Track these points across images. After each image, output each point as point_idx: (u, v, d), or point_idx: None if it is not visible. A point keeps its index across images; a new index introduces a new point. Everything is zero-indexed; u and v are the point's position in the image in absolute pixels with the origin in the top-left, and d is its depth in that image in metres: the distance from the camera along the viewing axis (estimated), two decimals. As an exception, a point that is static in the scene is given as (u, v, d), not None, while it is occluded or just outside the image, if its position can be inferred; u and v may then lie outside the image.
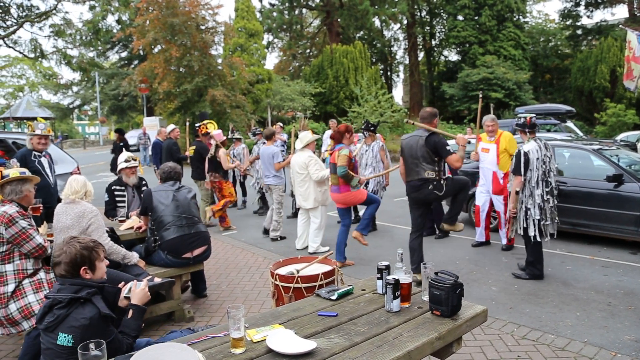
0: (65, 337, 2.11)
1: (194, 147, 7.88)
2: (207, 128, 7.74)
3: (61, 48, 17.91)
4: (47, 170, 5.22)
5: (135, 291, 2.46)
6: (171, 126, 8.73)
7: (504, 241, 6.03)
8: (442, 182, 4.54)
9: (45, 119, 30.76)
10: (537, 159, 4.73)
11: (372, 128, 7.04)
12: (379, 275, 2.55)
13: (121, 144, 11.50)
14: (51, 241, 3.84)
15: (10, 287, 3.16)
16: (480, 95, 6.43)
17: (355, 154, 7.36)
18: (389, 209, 8.68)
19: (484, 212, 6.11)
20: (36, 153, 5.17)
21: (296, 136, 7.18)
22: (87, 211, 3.55)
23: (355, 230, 5.43)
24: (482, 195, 6.11)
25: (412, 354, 1.95)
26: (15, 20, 16.33)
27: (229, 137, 9.43)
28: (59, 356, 2.14)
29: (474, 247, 6.20)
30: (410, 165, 4.65)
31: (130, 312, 2.43)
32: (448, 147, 4.47)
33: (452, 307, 2.25)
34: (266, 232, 7.22)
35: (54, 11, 16.72)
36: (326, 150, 7.22)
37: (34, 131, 5.12)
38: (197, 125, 8.04)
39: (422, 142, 4.50)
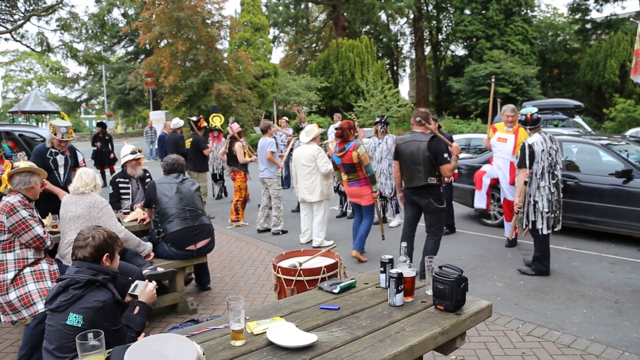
0: (75, 317, 2.15)
1: (190, 139, 7.86)
2: (205, 121, 7.76)
3: (67, 42, 17.96)
4: (60, 169, 5.21)
5: (145, 291, 2.56)
6: (180, 122, 8.66)
7: (510, 234, 5.93)
8: (442, 191, 4.52)
9: (53, 112, 30.94)
10: (542, 151, 4.67)
11: (388, 122, 7.06)
12: (382, 269, 2.52)
13: (107, 137, 11.68)
14: (56, 232, 3.86)
15: (10, 275, 3.19)
16: (493, 80, 6.22)
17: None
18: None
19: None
20: (53, 150, 5.18)
21: (298, 131, 7.12)
22: (97, 201, 3.64)
23: (354, 249, 5.57)
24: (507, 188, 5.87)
25: (414, 348, 1.92)
26: (22, 14, 16.39)
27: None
28: (64, 337, 2.16)
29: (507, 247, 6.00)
30: (412, 171, 4.50)
31: (137, 308, 2.50)
32: (445, 155, 4.36)
33: (456, 301, 2.21)
34: (260, 231, 7.10)
35: (60, 5, 16.75)
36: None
37: (55, 133, 5.02)
38: (194, 119, 8.02)
39: (425, 147, 4.37)
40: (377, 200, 5.44)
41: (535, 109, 4.91)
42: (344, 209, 8.02)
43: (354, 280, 2.66)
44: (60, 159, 5.21)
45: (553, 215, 4.72)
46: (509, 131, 5.77)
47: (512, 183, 5.71)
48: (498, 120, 7.50)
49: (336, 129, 5.44)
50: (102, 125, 11.99)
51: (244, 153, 7.41)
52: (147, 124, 22.79)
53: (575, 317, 3.86)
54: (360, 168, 5.28)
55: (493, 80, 6.23)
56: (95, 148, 11.85)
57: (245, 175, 7.57)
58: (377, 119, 7.14)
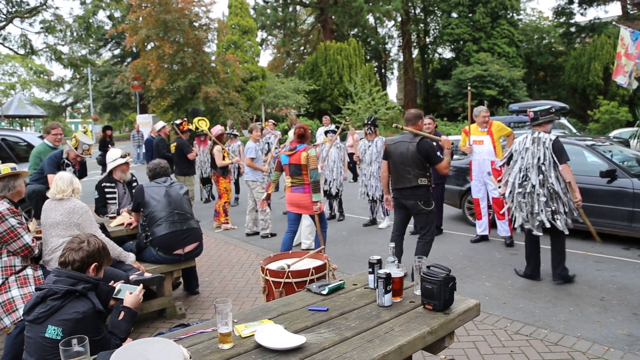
0: (54, 329, 2.08)
1: (175, 143, 7.83)
2: (188, 124, 7.77)
3: (52, 44, 17.71)
4: None
5: (130, 295, 2.50)
6: (160, 123, 8.60)
7: (506, 233, 5.98)
8: (431, 192, 4.45)
9: (37, 117, 30.48)
10: None
11: (377, 124, 7.06)
12: (370, 270, 2.52)
13: (113, 141, 11.70)
14: (40, 238, 3.79)
15: None
16: (469, 89, 6.32)
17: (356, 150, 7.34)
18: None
19: (484, 205, 6.06)
20: (66, 161, 5.15)
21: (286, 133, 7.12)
22: (77, 207, 3.51)
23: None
24: (478, 187, 6.07)
25: (403, 348, 1.92)
26: (4, 16, 16.14)
27: (227, 132, 9.37)
28: (44, 350, 2.09)
29: (474, 242, 6.17)
30: (401, 172, 4.43)
31: (122, 313, 2.44)
32: (438, 153, 4.34)
33: (445, 300, 2.22)
34: (248, 235, 7.07)
35: (44, 6, 16.53)
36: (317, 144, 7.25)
37: (75, 146, 5.08)
38: (177, 122, 7.99)
39: (414, 148, 4.32)
40: (317, 214, 5.02)
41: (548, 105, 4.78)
42: (332, 212, 8.02)
43: (342, 282, 2.65)
44: (69, 171, 5.17)
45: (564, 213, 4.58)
46: (483, 132, 5.95)
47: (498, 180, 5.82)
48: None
49: (299, 127, 5.11)
50: (110, 128, 11.98)
51: (223, 157, 7.44)
52: (134, 128, 22.57)
53: (562, 315, 3.90)
54: (307, 171, 4.96)
55: (469, 89, 6.25)
56: (102, 152, 11.65)
57: (228, 178, 7.64)
58: (365, 121, 7.14)
